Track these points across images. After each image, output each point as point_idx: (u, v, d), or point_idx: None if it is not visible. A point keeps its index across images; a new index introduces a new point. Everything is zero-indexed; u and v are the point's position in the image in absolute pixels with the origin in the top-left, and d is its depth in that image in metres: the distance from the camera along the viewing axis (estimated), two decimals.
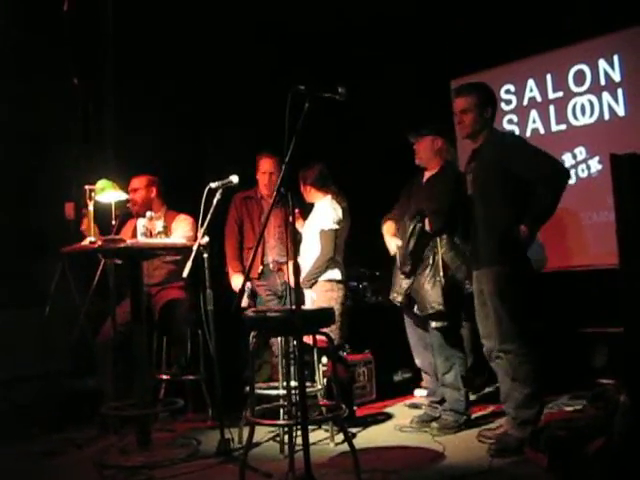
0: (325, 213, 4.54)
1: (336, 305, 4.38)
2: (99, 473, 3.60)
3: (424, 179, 4.37)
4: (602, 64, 5.28)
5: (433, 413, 4.30)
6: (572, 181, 5.47)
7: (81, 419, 4.49)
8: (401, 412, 4.73)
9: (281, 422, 3.79)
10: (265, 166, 4.79)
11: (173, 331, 4.53)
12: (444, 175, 4.27)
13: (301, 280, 4.38)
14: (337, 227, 4.52)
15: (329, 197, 4.62)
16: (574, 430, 3.21)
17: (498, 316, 3.62)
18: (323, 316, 3.45)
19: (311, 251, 4.52)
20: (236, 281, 4.74)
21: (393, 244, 4.36)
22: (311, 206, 4.69)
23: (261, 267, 4.80)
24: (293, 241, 3.13)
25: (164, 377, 4.61)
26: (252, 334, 3.53)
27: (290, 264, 4.56)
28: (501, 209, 3.64)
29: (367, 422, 4.52)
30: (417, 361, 4.47)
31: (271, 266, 4.80)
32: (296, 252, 3.24)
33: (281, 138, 3.02)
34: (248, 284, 4.69)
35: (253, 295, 4.74)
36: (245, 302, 4.61)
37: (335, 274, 4.52)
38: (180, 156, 5.26)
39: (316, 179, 4.61)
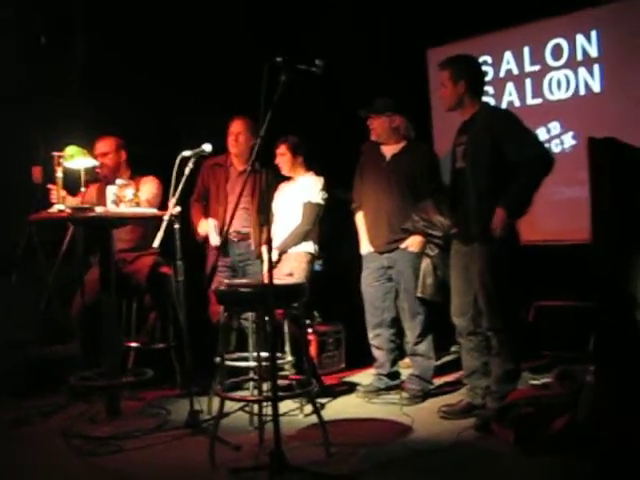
0: (314, 187, 4.56)
1: (304, 277, 4.43)
2: (67, 443, 3.59)
3: (387, 155, 4.41)
4: (580, 39, 5.26)
5: (379, 384, 4.44)
6: None
7: (49, 387, 4.44)
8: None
9: (251, 398, 3.80)
10: (232, 127, 4.65)
11: (165, 305, 4.46)
12: (424, 153, 4.39)
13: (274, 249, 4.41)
14: (323, 203, 4.56)
15: (312, 173, 4.63)
16: (540, 407, 3.27)
17: (488, 294, 3.63)
18: (295, 291, 3.44)
19: (286, 223, 4.52)
20: (202, 226, 4.58)
21: (365, 244, 4.49)
22: None
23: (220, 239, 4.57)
24: (267, 215, 3.08)
25: (133, 345, 4.58)
26: (223, 308, 3.52)
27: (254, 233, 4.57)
28: (492, 184, 3.62)
29: (336, 392, 4.56)
30: (370, 335, 4.52)
31: (232, 235, 4.60)
32: (265, 224, 3.20)
33: (256, 108, 2.97)
34: (215, 222, 4.56)
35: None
36: (216, 239, 4.52)
37: (309, 246, 4.56)
38: (151, 124, 5.16)
39: (306, 152, 4.61)
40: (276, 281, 3.14)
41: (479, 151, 3.65)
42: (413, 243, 4.28)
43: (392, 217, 4.32)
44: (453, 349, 5.28)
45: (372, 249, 4.44)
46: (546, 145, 5.34)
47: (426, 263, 4.24)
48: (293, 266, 4.47)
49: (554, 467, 3.04)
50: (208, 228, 4.58)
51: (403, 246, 4.30)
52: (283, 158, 4.59)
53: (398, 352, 4.55)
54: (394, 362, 4.51)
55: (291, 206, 4.56)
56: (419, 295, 4.24)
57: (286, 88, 3.01)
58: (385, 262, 4.39)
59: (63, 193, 3.94)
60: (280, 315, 3.87)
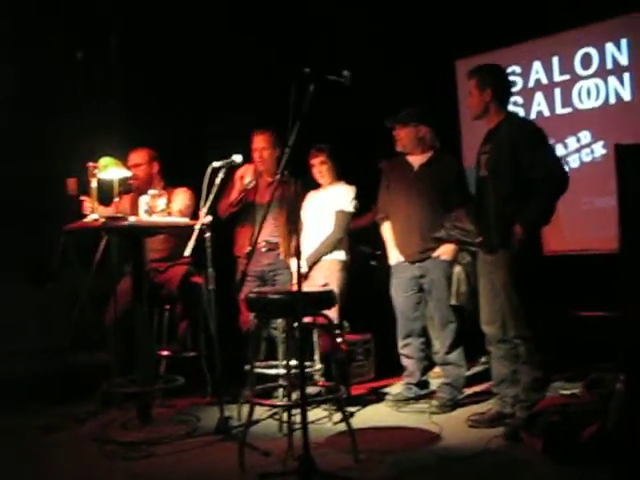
0: (346, 195, 4.58)
1: (337, 285, 4.43)
2: (99, 448, 3.66)
3: (415, 165, 4.43)
4: (610, 48, 5.24)
5: (408, 393, 4.43)
6: (575, 165, 5.48)
7: (83, 394, 4.52)
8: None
9: (281, 403, 3.84)
10: (255, 143, 4.70)
11: (196, 314, 4.51)
12: (451, 163, 4.42)
13: (305, 258, 4.44)
14: (354, 211, 4.59)
15: (343, 182, 4.66)
16: (569, 415, 3.24)
17: (513, 304, 3.63)
18: (324, 298, 3.48)
19: (316, 232, 4.55)
20: (242, 169, 4.53)
21: (394, 255, 4.47)
22: None
23: (249, 247, 4.48)
24: (296, 222, 3.14)
25: (165, 353, 4.64)
26: (253, 315, 3.56)
27: (283, 243, 4.60)
28: (512, 193, 3.63)
29: (365, 401, 4.57)
30: (400, 344, 4.51)
31: (261, 245, 4.61)
32: (294, 233, 3.24)
33: (284, 119, 3.02)
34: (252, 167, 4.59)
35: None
36: (249, 179, 4.56)
37: (341, 254, 4.57)
38: (183, 134, 5.26)
39: (338, 161, 4.64)
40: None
41: (500, 160, 3.67)
42: (446, 251, 4.29)
43: (423, 226, 4.32)
44: (482, 360, 5.26)
45: (402, 259, 4.44)
46: (576, 155, 5.37)
47: (459, 271, 4.24)
48: (326, 275, 4.48)
49: (583, 476, 3.02)
50: (244, 170, 4.55)
51: (435, 254, 4.31)
52: (324, 167, 4.60)
53: (427, 361, 4.55)
54: (424, 371, 4.50)
55: (321, 215, 4.58)
56: (454, 303, 4.24)
57: (314, 98, 3.06)
58: (417, 272, 4.39)
59: (95, 204, 4.03)
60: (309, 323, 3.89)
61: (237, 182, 4.57)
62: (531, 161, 3.58)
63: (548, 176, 3.57)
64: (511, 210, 3.60)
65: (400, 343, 4.50)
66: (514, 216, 3.58)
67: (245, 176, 4.56)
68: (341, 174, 4.68)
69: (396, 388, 4.75)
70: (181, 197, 4.57)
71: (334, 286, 4.36)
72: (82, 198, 4.22)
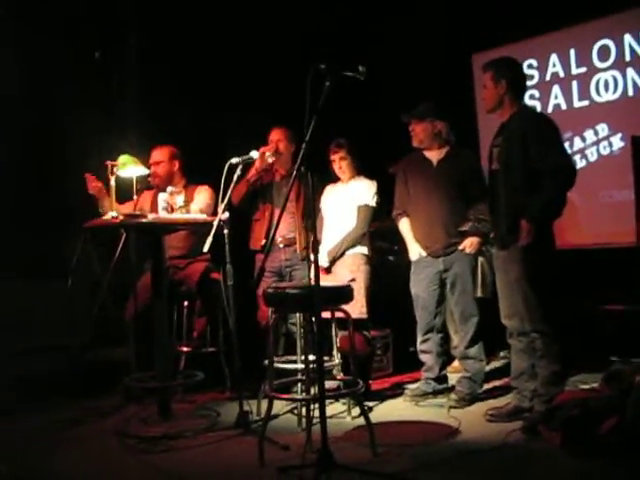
0: (368, 190, 4.58)
1: (364, 279, 4.46)
2: (120, 442, 3.70)
3: (433, 160, 4.43)
4: (628, 39, 5.19)
5: (426, 388, 4.43)
6: (593, 158, 5.45)
7: (104, 389, 4.58)
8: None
9: (299, 397, 3.87)
10: (272, 135, 4.73)
11: (215, 310, 4.56)
12: (469, 158, 4.43)
13: (326, 252, 4.47)
14: (376, 205, 4.58)
15: (362, 176, 4.65)
16: (588, 409, 3.23)
17: (527, 298, 3.63)
18: (342, 293, 3.49)
19: (338, 226, 4.56)
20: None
21: (415, 250, 4.44)
22: None
23: (264, 241, 4.60)
24: (313, 219, 3.15)
25: (184, 349, 4.68)
26: (271, 310, 3.59)
27: (300, 238, 4.61)
28: (522, 186, 3.62)
29: (383, 396, 4.59)
30: (419, 340, 4.49)
31: (278, 240, 4.65)
32: (311, 228, 3.24)
33: (301, 117, 3.04)
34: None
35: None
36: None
37: (364, 249, 4.57)
38: (201, 131, 5.29)
39: (357, 156, 4.64)
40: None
41: (512, 152, 3.66)
42: (471, 244, 4.29)
43: (447, 221, 4.32)
44: (502, 354, 5.26)
45: (424, 254, 4.41)
46: (594, 147, 5.34)
47: (483, 263, 4.23)
48: (352, 270, 4.47)
49: (602, 469, 3.01)
50: (267, 148, 4.56)
51: (461, 247, 4.31)
52: (344, 163, 4.58)
53: (446, 356, 4.55)
54: (443, 366, 4.50)
55: (342, 209, 4.58)
56: (480, 296, 4.23)
57: (330, 94, 3.07)
58: (441, 266, 4.37)
59: (114, 201, 4.10)
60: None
61: (258, 159, 4.52)
62: (539, 152, 3.57)
63: (555, 169, 3.54)
64: (522, 204, 3.59)
65: (420, 338, 4.49)
66: (521, 211, 3.57)
67: (267, 153, 4.56)
68: (361, 169, 4.68)
69: (414, 383, 4.76)
70: (202, 195, 4.60)
71: (361, 280, 4.38)
72: (86, 175, 4.24)
